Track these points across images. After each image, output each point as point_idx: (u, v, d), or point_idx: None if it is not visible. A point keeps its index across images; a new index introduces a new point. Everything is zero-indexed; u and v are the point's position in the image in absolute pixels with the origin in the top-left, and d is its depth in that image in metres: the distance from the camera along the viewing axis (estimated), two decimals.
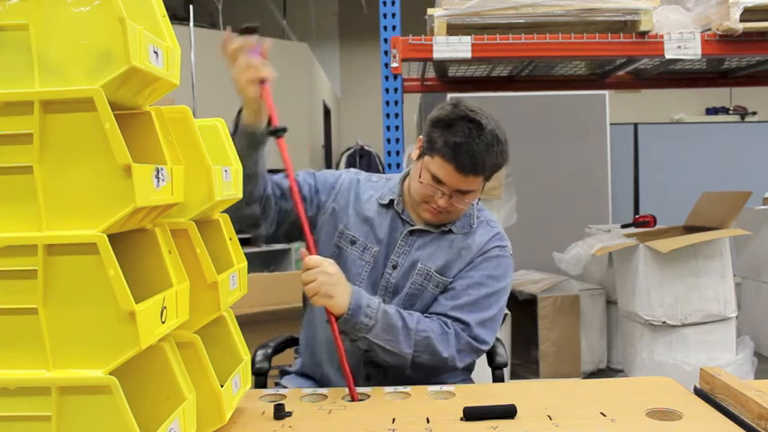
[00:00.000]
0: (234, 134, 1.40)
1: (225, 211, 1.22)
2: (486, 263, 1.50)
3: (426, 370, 1.42)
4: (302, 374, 1.59)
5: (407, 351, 1.38)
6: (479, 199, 1.57)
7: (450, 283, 1.48)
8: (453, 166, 1.39)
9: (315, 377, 1.57)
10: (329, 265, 1.32)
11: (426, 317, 1.44)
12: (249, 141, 1.40)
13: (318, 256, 1.34)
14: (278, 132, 1.37)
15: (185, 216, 1.05)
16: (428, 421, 1.13)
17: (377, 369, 1.48)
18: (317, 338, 1.55)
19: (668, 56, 2.58)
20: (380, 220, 1.53)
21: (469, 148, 1.37)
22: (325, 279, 1.30)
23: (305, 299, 1.66)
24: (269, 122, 1.41)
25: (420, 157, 1.47)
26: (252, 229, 1.53)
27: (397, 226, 1.52)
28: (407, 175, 1.57)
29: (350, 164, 7.62)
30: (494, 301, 1.47)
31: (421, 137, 1.47)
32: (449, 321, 1.43)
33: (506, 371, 1.77)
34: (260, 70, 1.32)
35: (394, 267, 1.50)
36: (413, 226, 1.52)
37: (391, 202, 1.54)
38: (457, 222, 1.53)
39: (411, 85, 3.62)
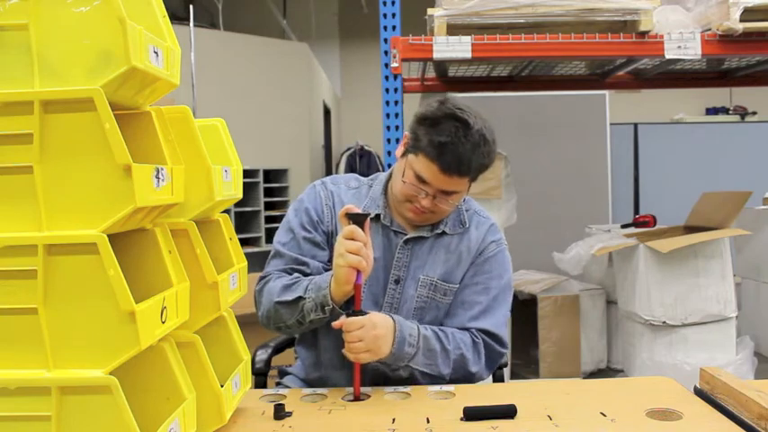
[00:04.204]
0: (292, 304, 1.38)
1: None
2: (487, 264, 1.49)
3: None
4: (303, 379, 1.56)
5: (446, 372, 1.40)
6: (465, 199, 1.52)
7: (458, 290, 1.47)
8: (438, 166, 1.33)
9: (316, 381, 1.53)
10: (371, 323, 1.29)
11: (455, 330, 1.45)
12: (325, 314, 1.35)
13: (357, 318, 1.29)
14: (358, 314, 1.31)
15: (185, 216, 1.05)
16: (428, 421, 1.13)
17: (380, 376, 1.46)
18: (319, 344, 1.51)
19: (668, 56, 2.58)
20: (372, 234, 1.42)
21: (455, 149, 1.32)
22: (372, 339, 1.28)
23: None
24: (349, 301, 1.36)
25: (404, 154, 1.42)
26: None
27: (391, 238, 1.47)
28: (390, 177, 1.51)
29: (350, 164, 7.62)
30: (502, 300, 1.49)
31: (407, 133, 1.42)
32: (473, 332, 1.44)
33: (506, 371, 1.78)
34: (360, 262, 1.27)
35: (397, 282, 1.46)
36: (405, 235, 1.47)
37: (377, 216, 1.47)
38: (448, 223, 1.49)
39: (411, 85, 3.62)
